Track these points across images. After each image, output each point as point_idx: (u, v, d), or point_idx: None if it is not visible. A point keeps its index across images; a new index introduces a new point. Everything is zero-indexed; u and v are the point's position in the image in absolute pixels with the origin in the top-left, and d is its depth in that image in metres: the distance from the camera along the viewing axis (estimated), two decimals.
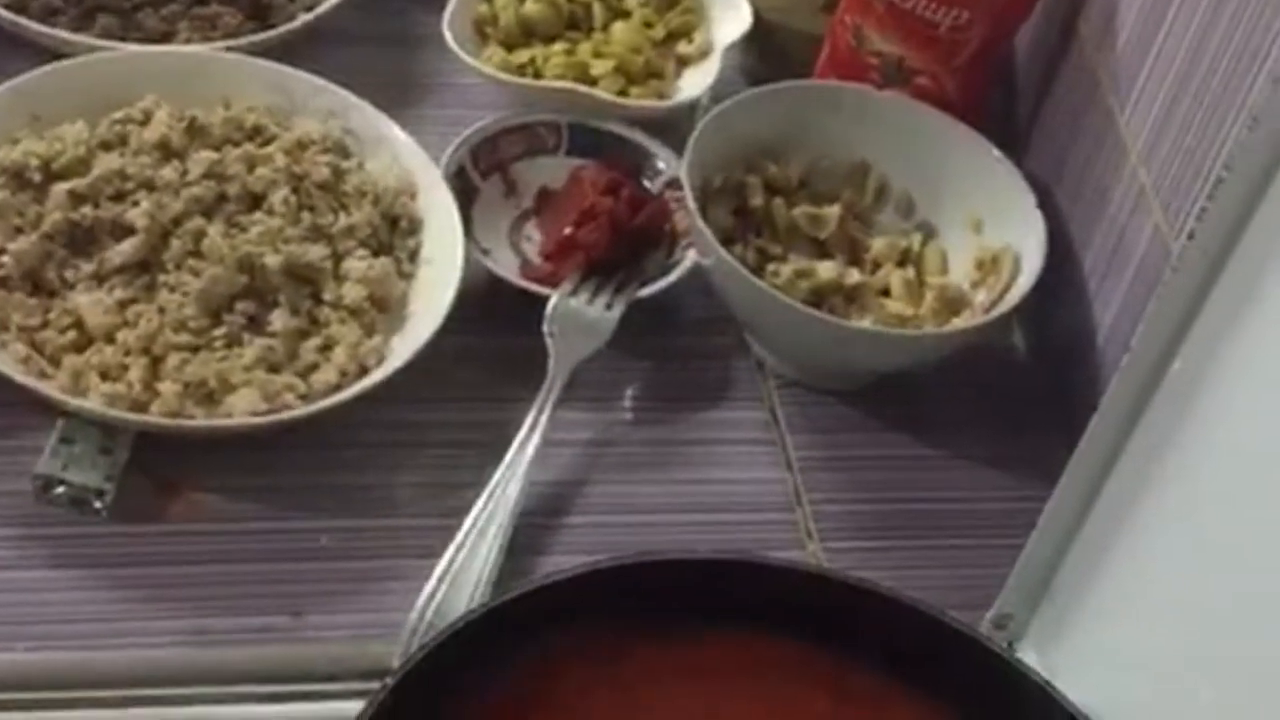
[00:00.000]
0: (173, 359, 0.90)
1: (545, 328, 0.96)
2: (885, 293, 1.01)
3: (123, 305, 0.92)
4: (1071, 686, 0.78)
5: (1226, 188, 0.70)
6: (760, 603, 0.79)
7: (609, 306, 0.98)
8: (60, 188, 0.94)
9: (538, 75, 1.09)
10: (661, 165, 1.06)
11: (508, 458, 0.91)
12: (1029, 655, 0.83)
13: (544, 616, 0.77)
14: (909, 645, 0.79)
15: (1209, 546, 0.74)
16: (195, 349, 0.91)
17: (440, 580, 0.86)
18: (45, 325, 0.91)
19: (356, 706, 0.73)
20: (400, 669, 0.74)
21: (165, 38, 1.07)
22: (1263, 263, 0.70)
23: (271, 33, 1.07)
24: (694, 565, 0.79)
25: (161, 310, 0.92)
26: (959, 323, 0.99)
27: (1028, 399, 1.02)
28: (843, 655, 0.79)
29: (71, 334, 0.91)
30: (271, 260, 0.94)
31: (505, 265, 1.01)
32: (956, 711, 0.78)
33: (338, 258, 0.96)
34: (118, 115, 0.99)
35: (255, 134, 1.00)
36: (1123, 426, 0.78)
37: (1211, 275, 0.72)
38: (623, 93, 1.09)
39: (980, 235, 1.02)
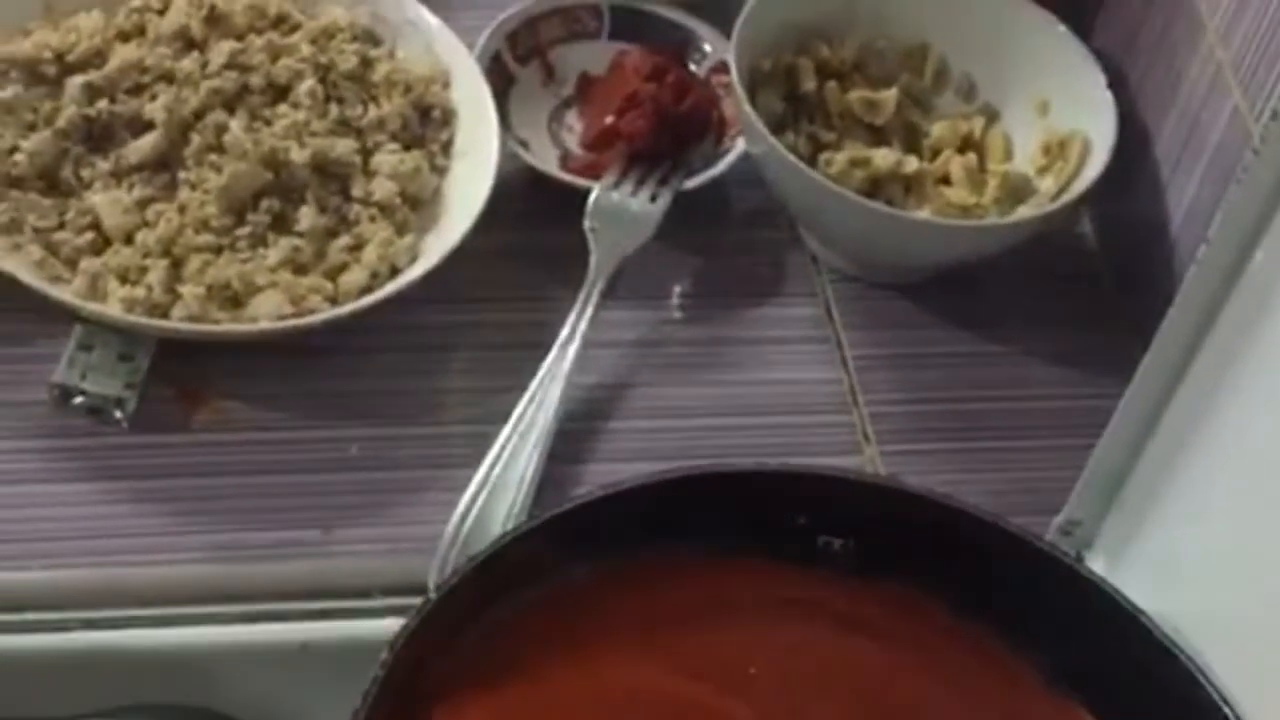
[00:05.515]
0: (194, 261, 0.87)
1: (586, 222, 0.94)
2: (945, 181, 0.98)
3: (142, 204, 0.89)
4: (1142, 595, 0.75)
5: None
6: (811, 511, 0.77)
7: (653, 199, 0.95)
8: (75, 81, 0.91)
9: None
10: (708, 48, 1.03)
11: (548, 361, 0.88)
12: (1098, 563, 0.80)
13: (595, 533, 0.75)
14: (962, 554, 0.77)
15: None
16: (218, 250, 0.88)
17: (477, 491, 0.84)
18: (61, 226, 0.88)
19: (390, 624, 0.72)
20: (447, 583, 0.72)
21: None
22: None
23: None
24: (738, 478, 0.77)
25: (182, 209, 0.89)
26: (1024, 212, 0.95)
27: (1097, 291, 0.99)
28: (887, 571, 0.77)
29: (88, 235, 0.88)
30: (297, 155, 0.91)
31: (544, 157, 0.98)
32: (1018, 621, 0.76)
33: (367, 152, 0.93)
34: (135, 3, 0.95)
35: (279, 22, 0.97)
36: (1200, 323, 0.75)
37: None
38: None
39: (1046, 118, 0.98)
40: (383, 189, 0.92)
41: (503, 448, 0.85)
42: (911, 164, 0.97)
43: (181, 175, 0.90)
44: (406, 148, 0.94)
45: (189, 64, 0.93)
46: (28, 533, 0.82)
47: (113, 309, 0.85)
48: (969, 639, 0.76)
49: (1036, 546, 0.77)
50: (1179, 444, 0.77)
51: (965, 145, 0.99)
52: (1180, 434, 0.76)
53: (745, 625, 0.76)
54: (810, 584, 0.77)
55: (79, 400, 0.85)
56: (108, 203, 0.88)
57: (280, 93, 0.94)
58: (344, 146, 0.92)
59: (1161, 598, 0.75)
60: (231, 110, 0.92)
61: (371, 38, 0.98)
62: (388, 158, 0.93)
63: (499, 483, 0.84)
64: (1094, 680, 0.74)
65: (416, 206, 0.93)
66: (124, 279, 0.86)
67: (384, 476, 0.86)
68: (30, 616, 0.80)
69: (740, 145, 0.97)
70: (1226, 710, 0.71)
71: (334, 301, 0.88)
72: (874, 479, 0.85)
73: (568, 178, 0.96)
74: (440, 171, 0.94)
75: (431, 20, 0.98)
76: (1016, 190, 0.96)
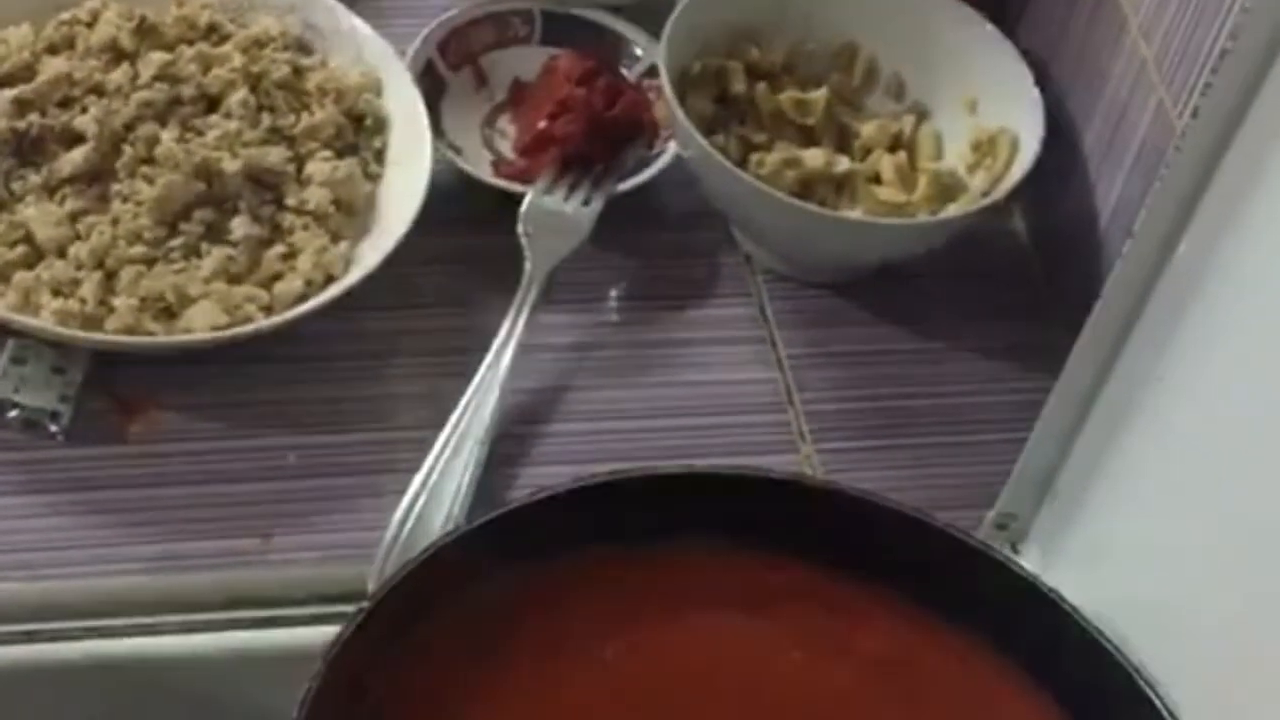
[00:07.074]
0: (127, 272, 0.87)
1: (520, 227, 0.93)
2: (876, 180, 0.98)
3: (74, 217, 0.89)
4: (1075, 587, 0.75)
5: (1231, 61, 0.67)
6: (745, 512, 0.77)
7: (587, 202, 0.95)
8: (4, 95, 0.91)
9: None
10: (639, 52, 1.02)
11: (484, 366, 0.88)
12: (1032, 555, 0.81)
13: (529, 537, 0.75)
14: (898, 551, 0.77)
15: (1219, 437, 0.71)
16: (151, 261, 0.88)
17: (415, 497, 0.83)
18: None
19: (329, 631, 0.71)
20: (379, 591, 0.72)
21: None
22: (1270, 140, 0.67)
23: None
24: (673, 479, 0.77)
25: (115, 221, 0.88)
26: (955, 209, 0.95)
27: (1028, 286, 1.00)
28: (831, 565, 0.77)
29: (21, 249, 0.87)
30: (230, 165, 0.90)
31: (477, 163, 0.98)
32: (951, 613, 0.76)
33: (300, 160, 0.93)
34: (64, 16, 0.95)
35: (210, 32, 0.96)
36: (1127, 315, 0.75)
37: (1217, 154, 0.69)
38: None
39: (975, 116, 0.99)
40: (316, 197, 0.91)
41: (440, 453, 0.85)
42: (843, 164, 0.97)
43: (114, 187, 0.89)
44: (339, 155, 0.93)
45: (119, 76, 0.92)
46: None
47: (46, 322, 0.85)
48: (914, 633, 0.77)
49: (968, 543, 0.77)
50: (1109, 436, 0.77)
51: (896, 144, 0.99)
52: (1109, 426, 0.77)
53: (690, 624, 0.76)
54: (751, 580, 0.77)
55: (13, 414, 0.85)
56: (40, 216, 0.88)
57: (212, 103, 0.93)
58: (276, 155, 0.92)
59: (1094, 588, 0.75)
60: (163, 121, 0.91)
61: (303, 47, 0.98)
62: (321, 166, 0.92)
63: (437, 488, 0.84)
64: (1033, 667, 0.75)
65: (350, 214, 0.92)
66: (57, 292, 0.86)
67: (322, 484, 0.85)
68: None
69: (672, 148, 0.97)
70: (1156, 700, 0.71)
71: (269, 310, 0.87)
72: (807, 479, 0.85)
73: (501, 183, 0.96)
74: (374, 179, 0.94)
75: (363, 28, 0.98)
76: (947, 188, 0.96)
